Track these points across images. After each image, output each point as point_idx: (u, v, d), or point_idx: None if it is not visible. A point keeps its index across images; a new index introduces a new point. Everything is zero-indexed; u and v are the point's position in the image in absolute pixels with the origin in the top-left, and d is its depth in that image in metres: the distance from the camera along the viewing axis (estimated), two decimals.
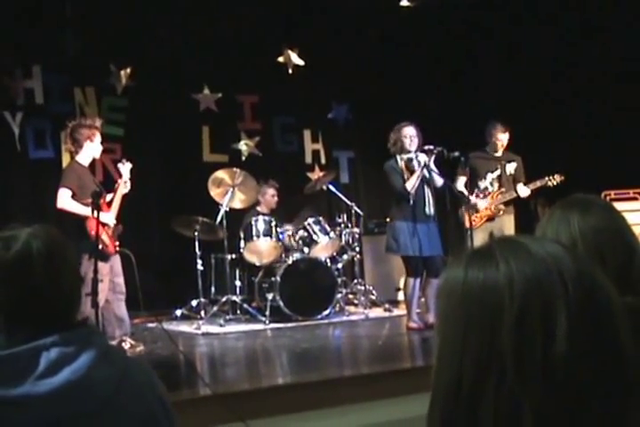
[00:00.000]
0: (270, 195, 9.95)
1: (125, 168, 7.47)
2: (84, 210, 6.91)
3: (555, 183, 8.45)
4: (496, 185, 8.64)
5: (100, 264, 6.49)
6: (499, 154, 8.72)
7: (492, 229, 8.45)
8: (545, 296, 1.07)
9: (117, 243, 7.19)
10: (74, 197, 7.05)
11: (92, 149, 7.32)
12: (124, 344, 7.19)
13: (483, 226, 8.51)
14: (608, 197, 9.08)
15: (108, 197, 7.33)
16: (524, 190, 8.52)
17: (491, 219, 8.57)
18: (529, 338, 1.05)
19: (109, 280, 7.05)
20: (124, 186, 7.39)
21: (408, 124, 8.03)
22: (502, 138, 8.63)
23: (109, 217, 7.19)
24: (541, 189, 8.59)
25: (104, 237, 6.94)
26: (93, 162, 7.77)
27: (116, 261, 7.22)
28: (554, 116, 10.84)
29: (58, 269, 1.97)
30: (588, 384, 1.04)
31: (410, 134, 7.96)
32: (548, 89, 10.86)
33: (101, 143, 7.46)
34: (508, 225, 8.58)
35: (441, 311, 1.15)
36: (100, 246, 6.75)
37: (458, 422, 1.08)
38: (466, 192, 8.27)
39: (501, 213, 8.57)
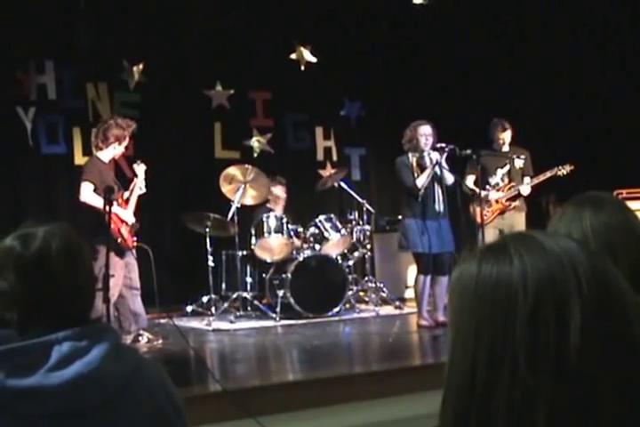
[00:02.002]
0: (275, 195, 9.83)
1: (140, 169, 7.58)
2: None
3: (565, 173, 8.51)
4: (506, 180, 8.71)
5: (116, 259, 6.55)
6: (506, 149, 8.77)
7: (502, 227, 8.48)
8: (558, 292, 1.06)
9: (135, 239, 7.28)
10: (95, 191, 7.12)
11: (116, 150, 7.45)
12: (140, 338, 7.25)
13: (494, 222, 8.53)
14: (620, 196, 9.06)
15: (126, 194, 7.47)
16: (524, 189, 8.58)
17: (502, 213, 8.59)
18: (542, 333, 1.05)
19: (124, 276, 7.11)
20: (139, 186, 7.48)
21: (425, 122, 7.99)
22: (504, 136, 8.72)
23: (128, 214, 7.30)
24: (552, 181, 8.63)
25: (123, 230, 7.06)
26: (115, 159, 7.87)
27: (132, 256, 7.29)
28: (566, 115, 10.82)
29: (75, 267, 1.99)
30: (601, 376, 1.03)
31: (426, 133, 7.93)
32: (562, 87, 10.84)
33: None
34: (519, 222, 8.60)
35: (454, 306, 1.15)
36: (119, 240, 6.86)
37: (471, 415, 1.08)
38: (477, 189, 8.31)
39: (512, 206, 8.60)
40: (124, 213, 7.27)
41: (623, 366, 1.05)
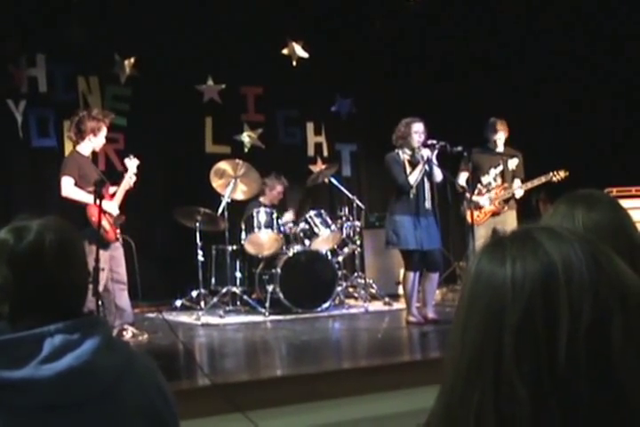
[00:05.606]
0: (277, 191, 9.94)
1: (132, 163, 7.51)
2: (87, 197, 6.96)
3: (559, 179, 8.49)
4: (499, 180, 8.71)
5: (100, 252, 6.52)
6: (500, 149, 8.79)
7: (494, 225, 8.50)
8: (548, 302, 1.03)
9: (119, 231, 7.23)
10: (75, 185, 7.08)
11: (93, 142, 7.37)
12: (125, 333, 7.20)
13: (486, 222, 8.56)
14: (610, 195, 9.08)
15: (112, 189, 7.40)
16: (519, 193, 8.62)
17: (495, 214, 8.62)
18: (530, 340, 1.02)
19: (109, 269, 7.07)
20: (129, 181, 7.42)
21: (418, 119, 7.98)
22: (500, 135, 8.73)
23: (112, 206, 7.25)
24: (544, 185, 8.63)
25: (104, 223, 6.96)
26: (96, 151, 7.81)
27: (118, 250, 7.24)
28: (557, 113, 10.84)
29: (69, 260, 1.99)
30: (588, 394, 1.00)
31: (419, 131, 7.92)
32: (552, 86, 10.85)
33: (106, 136, 7.49)
34: (510, 220, 8.62)
35: (460, 294, 1.14)
36: (101, 232, 6.80)
37: (459, 412, 1.06)
38: (467, 188, 8.32)
39: (506, 208, 8.62)
40: (108, 206, 7.18)
41: (610, 387, 1.01)
